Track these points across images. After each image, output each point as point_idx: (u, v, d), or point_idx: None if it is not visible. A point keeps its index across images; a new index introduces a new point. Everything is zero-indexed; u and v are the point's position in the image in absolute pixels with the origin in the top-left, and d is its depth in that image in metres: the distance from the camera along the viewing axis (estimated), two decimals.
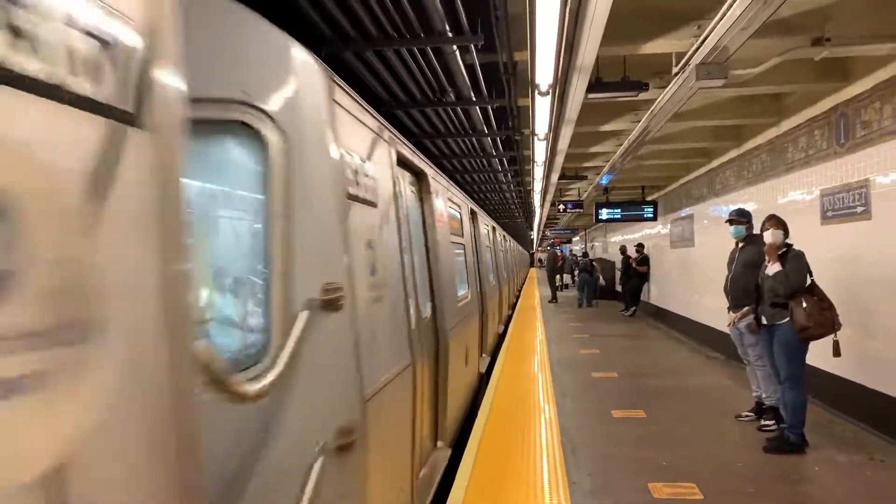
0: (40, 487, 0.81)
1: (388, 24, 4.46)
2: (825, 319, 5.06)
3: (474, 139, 8.20)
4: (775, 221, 5.41)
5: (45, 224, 0.85)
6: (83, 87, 0.91)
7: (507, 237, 19.17)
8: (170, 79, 1.11)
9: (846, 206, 6.24)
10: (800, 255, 5.27)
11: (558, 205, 16.48)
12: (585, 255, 24.08)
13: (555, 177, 11.21)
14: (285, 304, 1.95)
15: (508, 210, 22.94)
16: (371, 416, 2.48)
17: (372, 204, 2.87)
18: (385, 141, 3.39)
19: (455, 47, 4.94)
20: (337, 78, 2.62)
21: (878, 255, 5.74)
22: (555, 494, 4.28)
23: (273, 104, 2.03)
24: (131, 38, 1.02)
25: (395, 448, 3.10)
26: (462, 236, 6.75)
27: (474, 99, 6.08)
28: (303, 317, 1.97)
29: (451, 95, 5.95)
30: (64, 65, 0.88)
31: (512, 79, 5.89)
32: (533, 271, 45.98)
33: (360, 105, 2.97)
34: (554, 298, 20.98)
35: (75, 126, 0.91)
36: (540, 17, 3.97)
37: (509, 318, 14.87)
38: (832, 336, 5.10)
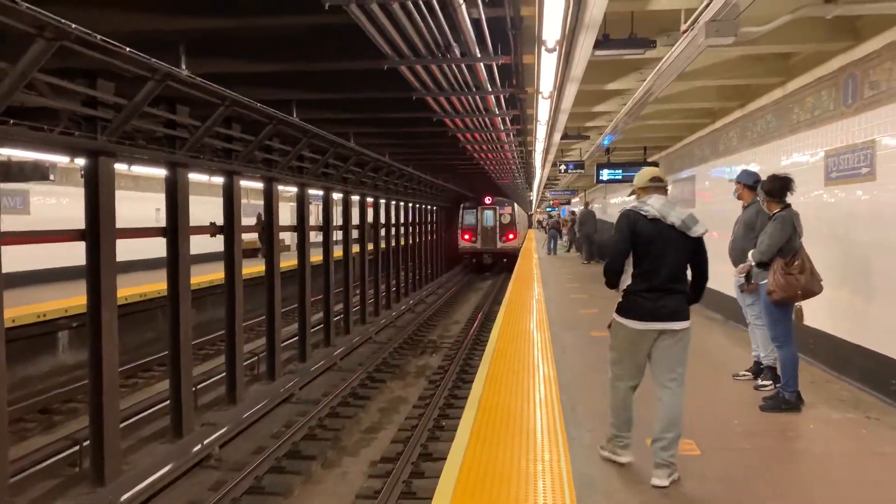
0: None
1: None
2: (788, 284, 5.03)
3: (478, 97, 8.09)
4: (763, 182, 5.45)
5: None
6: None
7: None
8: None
9: (851, 167, 6.21)
10: (784, 218, 5.20)
11: (559, 165, 16.38)
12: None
13: (557, 136, 11.12)
14: None
15: (509, 171, 22.81)
16: None
17: None
18: None
19: None
20: None
21: (880, 215, 5.74)
22: (554, 449, 4.36)
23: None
24: None
25: None
26: None
27: (479, 55, 5.98)
28: None
29: (457, 51, 5.85)
30: None
31: (518, 34, 5.80)
32: (531, 232, 46.02)
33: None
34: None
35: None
36: None
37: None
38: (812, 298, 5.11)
